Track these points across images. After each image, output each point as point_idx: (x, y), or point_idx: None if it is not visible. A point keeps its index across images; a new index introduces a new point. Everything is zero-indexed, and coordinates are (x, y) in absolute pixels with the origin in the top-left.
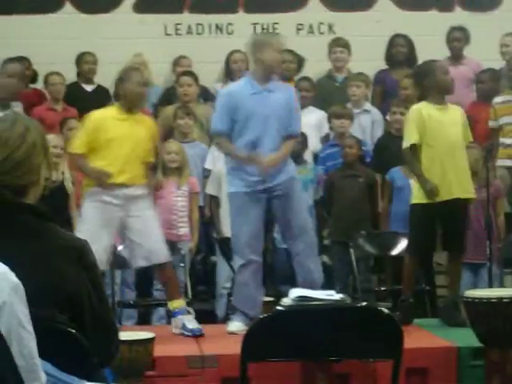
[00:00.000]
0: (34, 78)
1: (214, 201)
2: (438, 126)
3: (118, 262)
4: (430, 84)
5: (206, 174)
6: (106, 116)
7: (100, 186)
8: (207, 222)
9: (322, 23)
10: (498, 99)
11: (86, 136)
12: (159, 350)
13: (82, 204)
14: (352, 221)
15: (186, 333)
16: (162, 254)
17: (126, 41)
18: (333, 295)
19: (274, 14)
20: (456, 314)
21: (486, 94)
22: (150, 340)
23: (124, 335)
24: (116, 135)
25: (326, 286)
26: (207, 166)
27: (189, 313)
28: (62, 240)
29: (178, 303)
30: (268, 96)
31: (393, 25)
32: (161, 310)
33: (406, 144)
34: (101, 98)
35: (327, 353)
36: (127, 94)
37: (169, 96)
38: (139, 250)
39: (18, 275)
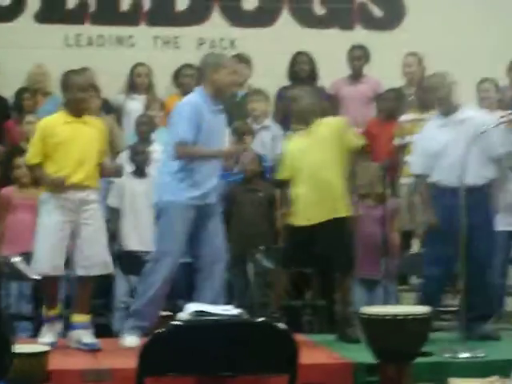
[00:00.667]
0: None
1: (115, 213)
2: (301, 154)
3: (15, 273)
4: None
5: (107, 186)
6: (53, 121)
7: (53, 191)
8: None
9: (223, 39)
10: (404, 117)
11: (38, 144)
12: (55, 363)
13: (38, 210)
14: (251, 236)
15: (82, 347)
16: (101, 267)
17: (27, 50)
18: (230, 310)
19: (176, 28)
20: (349, 330)
21: (389, 112)
22: (45, 353)
23: (18, 348)
24: (63, 139)
25: (224, 301)
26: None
27: (88, 328)
28: None
29: (82, 318)
30: (219, 116)
31: (294, 42)
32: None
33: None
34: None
35: (222, 368)
36: (69, 101)
37: None
38: (81, 258)
39: None
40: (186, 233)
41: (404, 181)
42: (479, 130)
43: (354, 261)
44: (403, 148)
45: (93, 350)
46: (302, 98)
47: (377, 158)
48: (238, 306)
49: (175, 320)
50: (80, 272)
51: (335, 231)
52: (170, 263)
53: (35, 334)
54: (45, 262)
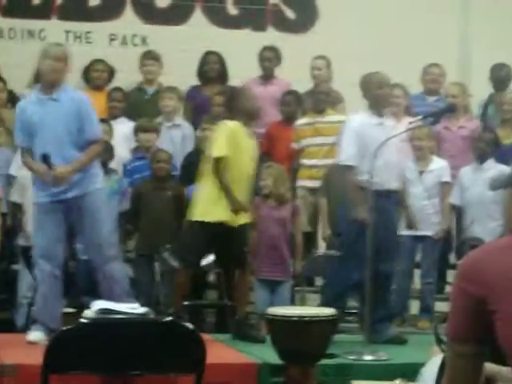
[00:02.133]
0: None
1: (17, 208)
2: (238, 151)
3: None
4: (238, 107)
5: (9, 181)
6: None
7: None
8: (9, 229)
9: (135, 35)
10: (300, 121)
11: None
12: None
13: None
14: (158, 234)
15: None
16: None
17: None
18: (136, 308)
19: (88, 23)
20: (251, 329)
21: (289, 115)
22: None
23: None
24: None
25: (130, 298)
26: (12, 172)
27: None
28: None
29: None
30: (51, 105)
31: (206, 41)
32: None
33: (215, 154)
34: None
35: (128, 367)
36: None
37: None
38: None
39: None
40: (53, 231)
41: (301, 183)
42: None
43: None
44: (300, 152)
45: None
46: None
47: (278, 160)
48: (143, 305)
49: (81, 317)
50: None
51: (236, 234)
52: (43, 263)
53: None
54: None
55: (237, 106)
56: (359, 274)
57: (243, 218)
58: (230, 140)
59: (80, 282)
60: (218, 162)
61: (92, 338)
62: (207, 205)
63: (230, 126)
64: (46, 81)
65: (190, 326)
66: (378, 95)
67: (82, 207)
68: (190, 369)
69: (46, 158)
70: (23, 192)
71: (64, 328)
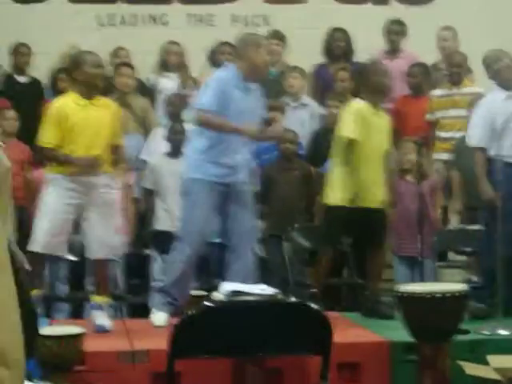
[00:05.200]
0: None
1: (149, 194)
2: (368, 130)
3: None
4: (368, 83)
5: (141, 166)
6: (65, 104)
7: (65, 173)
8: (143, 215)
9: (256, 15)
10: (435, 92)
11: (53, 127)
12: (89, 345)
13: (45, 190)
14: (287, 214)
15: (95, 329)
16: (106, 251)
17: (60, 31)
18: (265, 289)
19: (210, 5)
20: (379, 306)
21: (417, 87)
22: (79, 335)
23: (53, 330)
24: (75, 123)
25: (261, 279)
26: (143, 157)
27: (101, 309)
28: None
29: (98, 299)
30: (252, 95)
31: (329, 18)
32: None
33: (345, 134)
34: (34, 90)
35: (257, 349)
36: (86, 78)
37: (105, 87)
38: (87, 241)
39: None
40: (211, 211)
41: (437, 156)
42: None
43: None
44: (434, 124)
45: (98, 332)
46: (382, 72)
47: (408, 134)
48: (273, 285)
49: (210, 300)
50: (87, 254)
51: (378, 219)
52: (195, 242)
53: (72, 315)
54: (41, 240)
55: (367, 81)
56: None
57: (378, 197)
58: (358, 121)
59: (211, 265)
60: (348, 144)
61: (218, 321)
62: (339, 188)
63: (357, 106)
64: (261, 74)
65: (314, 306)
66: (500, 70)
67: (241, 192)
68: (317, 350)
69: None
70: (155, 178)
71: (188, 312)
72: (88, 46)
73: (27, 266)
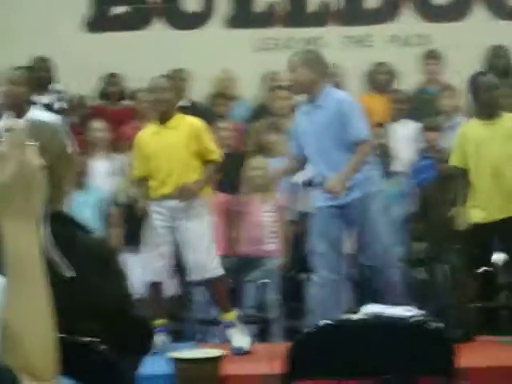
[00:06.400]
0: (121, 95)
1: (305, 216)
2: (479, 145)
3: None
4: (476, 99)
5: (294, 189)
6: (143, 134)
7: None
8: (300, 237)
9: (413, 35)
10: None
11: (135, 159)
12: (231, 368)
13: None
14: (445, 235)
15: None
16: (200, 272)
17: (215, 56)
18: (411, 311)
19: (366, 27)
20: None
21: None
22: (218, 358)
23: (191, 353)
24: (151, 151)
25: (420, 301)
26: (296, 180)
27: (233, 326)
28: (89, 247)
29: (226, 316)
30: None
31: (486, 35)
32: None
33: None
34: (195, 113)
35: (378, 370)
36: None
37: (259, 111)
38: (187, 263)
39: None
40: (331, 236)
41: None
42: None
43: None
44: None
45: (236, 354)
46: (495, 86)
47: None
48: (426, 307)
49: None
50: (193, 277)
51: None
52: (323, 267)
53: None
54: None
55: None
56: None
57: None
58: (460, 146)
59: (364, 289)
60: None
61: (334, 341)
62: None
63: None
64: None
65: (435, 325)
66: None
67: (361, 210)
68: (439, 371)
69: (307, 184)
70: (306, 200)
71: (305, 331)
72: (242, 70)
73: (69, 274)
